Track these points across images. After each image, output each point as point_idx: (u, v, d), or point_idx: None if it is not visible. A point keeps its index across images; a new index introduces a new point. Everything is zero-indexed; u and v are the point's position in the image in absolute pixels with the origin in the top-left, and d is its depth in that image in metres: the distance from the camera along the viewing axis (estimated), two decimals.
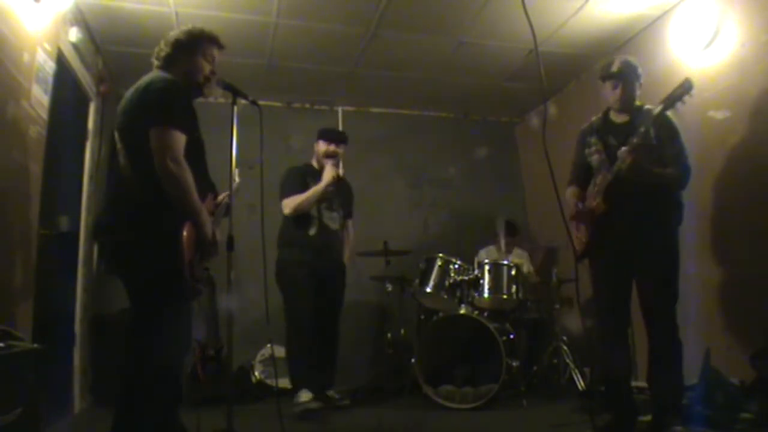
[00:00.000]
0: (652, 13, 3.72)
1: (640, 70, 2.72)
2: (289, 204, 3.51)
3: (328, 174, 3.55)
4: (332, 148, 3.67)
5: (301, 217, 3.53)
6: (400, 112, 5.41)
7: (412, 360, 3.61)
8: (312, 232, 3.55)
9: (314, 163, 3.74)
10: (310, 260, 3.50)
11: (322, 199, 3.59)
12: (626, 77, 2.68)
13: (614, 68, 2.70)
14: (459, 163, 5.46)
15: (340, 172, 3.61)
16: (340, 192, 3.76)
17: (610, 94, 2.73)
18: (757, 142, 3.03)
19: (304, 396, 3.23)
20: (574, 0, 3.55)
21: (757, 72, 3.02)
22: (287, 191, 3.56)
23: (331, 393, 3.51)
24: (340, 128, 5.12)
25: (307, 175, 3.64)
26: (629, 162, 2.44)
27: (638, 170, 2.45)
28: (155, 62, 2.23)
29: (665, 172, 2.53)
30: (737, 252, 3.14)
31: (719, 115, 3.22)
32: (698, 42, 3.39)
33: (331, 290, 3.61)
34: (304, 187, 3.55)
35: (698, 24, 3.39)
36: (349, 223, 3.89)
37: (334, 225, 3.65)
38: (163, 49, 2.22)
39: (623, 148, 2.47)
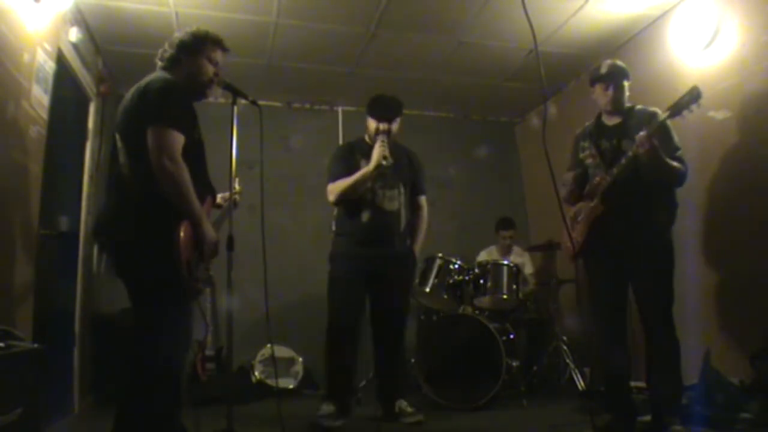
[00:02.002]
0: (652, 13, 3.72)
1: (628, 72, 2.75)
2: (333, 191, 3.12)
3: (375, 155, 3.05)
4: (382, 126, 3.17)
5: (351, 202, 3.12)
6: None
7: (412, 360, 3.60)
8: (364, 218, 3.11)
9: (367, 138, 3.28)
10: (359, 252, 3.09)
11: (376, 175, 3.09)
12: (616, 78, 2.71)
13: (603, 70, 2.74)
14: (459, 163, 5.45)
15: (387, 153, 3.05)
16: (400, 165, 3.20)
17: (602, 97, 2.75)
18: (757, 142, 3.03)
19: (325, 408, 2.98)
20: (574, 0, 3.55)
21: (757, 72, 3.02)
22: (332, 175, 3.15)
23: (401, 406, 3.11)
24: (340, 128, 5.13)
25: (356, 152, 3.20)
26: (648, 147, 2.41)
27: (655, 156, 2.44)
28: (159, 63, 2.23)
29: (674, 163, 2.54)
30: (737, 252, 3.14)
31: (719, 115, 3.22)
32: (698, 42, 3.39)
33: (388, 284, 3.14)
34: (352, 167, 3.14)
35: (698, 24, 3.39)
36: (421, 200, 3.37)
37: (392, 205, 3.16)
38: (167, 50, 2.22)
39: (641, 133, 2.45)
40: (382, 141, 3.09)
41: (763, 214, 2.96)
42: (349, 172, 3.12)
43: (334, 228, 3.25)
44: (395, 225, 3.18)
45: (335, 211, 3.26)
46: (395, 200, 3.18)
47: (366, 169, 3.06)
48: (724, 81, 3.21)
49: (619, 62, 2.78)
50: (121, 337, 2.25)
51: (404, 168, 3.26)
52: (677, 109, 2.42)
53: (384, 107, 3.25)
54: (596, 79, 2.75)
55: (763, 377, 2.67)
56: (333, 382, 3.09)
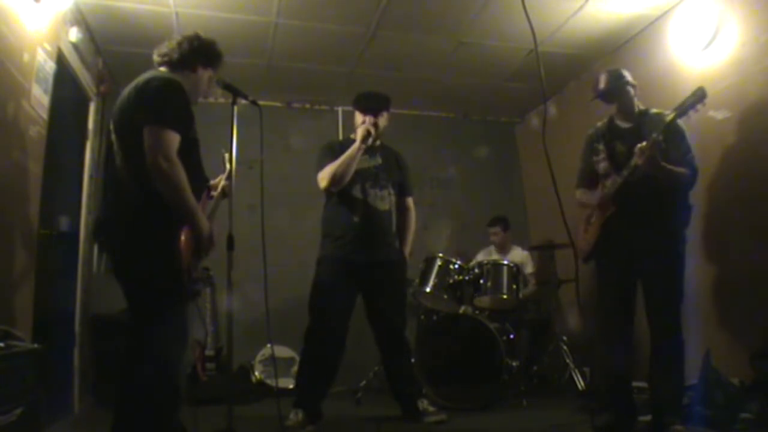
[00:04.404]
0: (652, 13, 3.72)
1: (628, 76, 2.72)
2: (324, 175, 3.01)
3: (360, 131, 3.04)
4: (370, 118, 3.12)
5: (344, 201, 3.05)
6: (400, 112, 5.37)
7: (412, 360, 3.60)
8: (356, 218, 3.02)
9: (353, 137, 3.20)
10: (350, 257, 2.99)
11: (366, 175, 3.08)
12: (617, 91, 2.69)
13: (602, 85, 2.72)
14: (459, 163, 5.46)
15: (372, 131, 3.07)
16: (388, 164, 3.20)
17: (608, 108, 2.75)
18: (757, 142, 3.03)
19: (293, 417, 2.82)
20: (574, 0, 3.55)
21: (757, 72, 3.02)
22: (322, 164, 3.06)
23: (422, 405, 3.07)
24: (340, 128, 5.13)
25: (346, 149, 3.07)
26: (647, 156, 2.43)
27: (655, 165, 2.45)
28: (165, 58, 2.20)
29: (678, 169, 2.54)
30: (737, 252, 3.14)
31: (719, 115, 3.22)
32: (698, 42, 3.39)
33: (382, 292, 3.09)
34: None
35: (698, 24, 3.39)
36: (409, 201, 3.34)
37: (383, 205, 3.10)
38: (183, 48, 2.20)
39: (639, 145, 2.47)
40: (369, 122, 3.08)
41: (762, 213, 2.96)
42: None
43: (322, 230, 3.15)
44: (388, 226, 3.13)
45: (323, 212, 3.18)
46: (386, 201, 3.13)
47: (354, 146, 3.01)
48: (724, 81, 3.20)
49: (617, 69, 2.74)
50: (121, 337, 2.24)
51: (393, 169, 3.23)
52: (682, 110, 2.44)
53: (369, 99, 3.21)
54: (597, 95, 2.73)
55: (763, 377, 2.67)
56: (307, 390, 2.95)
